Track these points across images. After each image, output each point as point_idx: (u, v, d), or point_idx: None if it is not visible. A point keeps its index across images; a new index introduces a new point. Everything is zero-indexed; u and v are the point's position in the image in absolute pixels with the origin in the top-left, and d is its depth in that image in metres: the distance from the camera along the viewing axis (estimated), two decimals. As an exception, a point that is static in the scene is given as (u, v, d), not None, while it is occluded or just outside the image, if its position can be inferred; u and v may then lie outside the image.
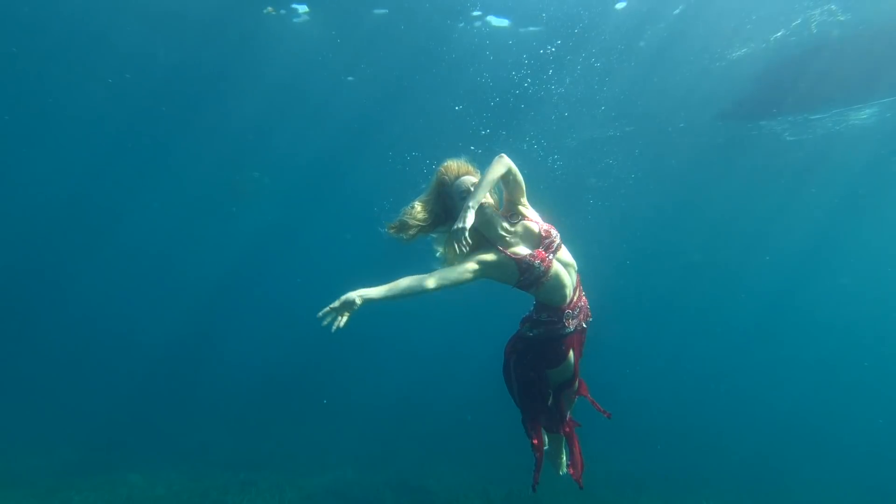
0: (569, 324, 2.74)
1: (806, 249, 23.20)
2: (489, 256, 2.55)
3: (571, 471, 3.03)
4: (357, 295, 2.23)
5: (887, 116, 12.10)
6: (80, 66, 11.73)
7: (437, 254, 2.70)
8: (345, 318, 2.22)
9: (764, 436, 15.52)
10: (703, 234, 21.35)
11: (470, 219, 2.40)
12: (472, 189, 2.49)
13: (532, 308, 2.83)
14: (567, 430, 2.99)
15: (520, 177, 2.64)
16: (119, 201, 21.86)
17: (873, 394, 23.92)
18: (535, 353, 2.79)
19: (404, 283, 2.35)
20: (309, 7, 9.61)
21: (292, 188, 19.60)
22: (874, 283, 27.63)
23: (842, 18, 8.50)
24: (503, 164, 2.53)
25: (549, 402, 2.94)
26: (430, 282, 2.38)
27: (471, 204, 2.42)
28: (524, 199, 2.75)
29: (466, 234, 2.38)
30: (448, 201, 2.60)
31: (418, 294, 2.36)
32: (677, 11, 8.84)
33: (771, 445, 14.37)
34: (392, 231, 2.57)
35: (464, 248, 2.42)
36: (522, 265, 2.55)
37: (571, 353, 2.83)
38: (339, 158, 16.14)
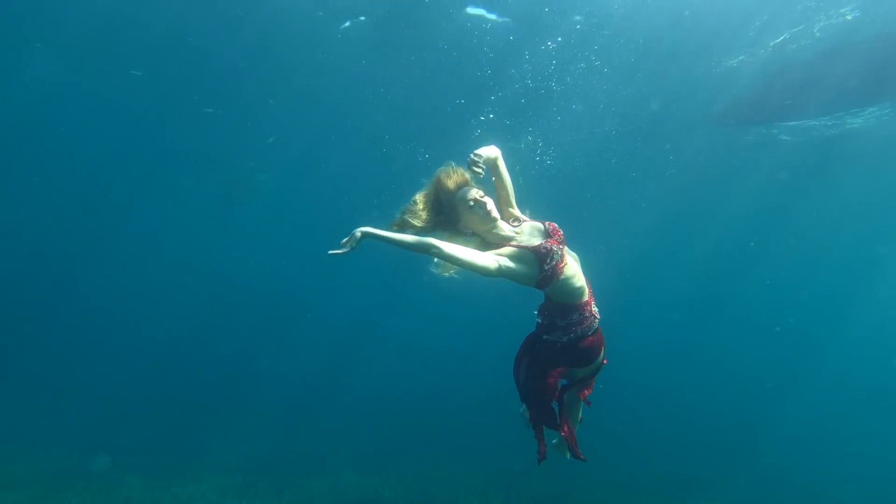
0: (597, 316, 2.80)
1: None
2: (506, 250, 2.60)
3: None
4: (359, 229, 2.31)
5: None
6: (96, 59, 11.63)
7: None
8: (343, 249, 2.29)
9: (764, 436, 15.50)
10: (717, 231, 20.95)
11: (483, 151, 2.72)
12: (477, 197, 2.60)
13: (551, 317, 2.79)
14: (567, 431, 3.00)
15: (506, 171, 2.87)
16: (123, 201, 21.85)
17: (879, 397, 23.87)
18: (565, 357, 2.78)
19: (417, 236, 2.43)
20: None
21: (295, 190, 19.56)
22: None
23: (849, 17, 8.33)
24: (496, 149, 2.80)
25: (555, 405, 2.97)
26: (443, 246, 2.39)
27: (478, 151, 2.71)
28: (513, 200, 2.89)
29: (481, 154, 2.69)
30: (450, 212, 2.62)
31: (424, 250, 2.38)
32: (680, 13, 8.78)
33: (770, 446, 14.34)
34: (393, 230, 2.56)
35: (482, 167, 2.65)
36: (541, 252, 2.58)
37: (602, 347, 2.88)
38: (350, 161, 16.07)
